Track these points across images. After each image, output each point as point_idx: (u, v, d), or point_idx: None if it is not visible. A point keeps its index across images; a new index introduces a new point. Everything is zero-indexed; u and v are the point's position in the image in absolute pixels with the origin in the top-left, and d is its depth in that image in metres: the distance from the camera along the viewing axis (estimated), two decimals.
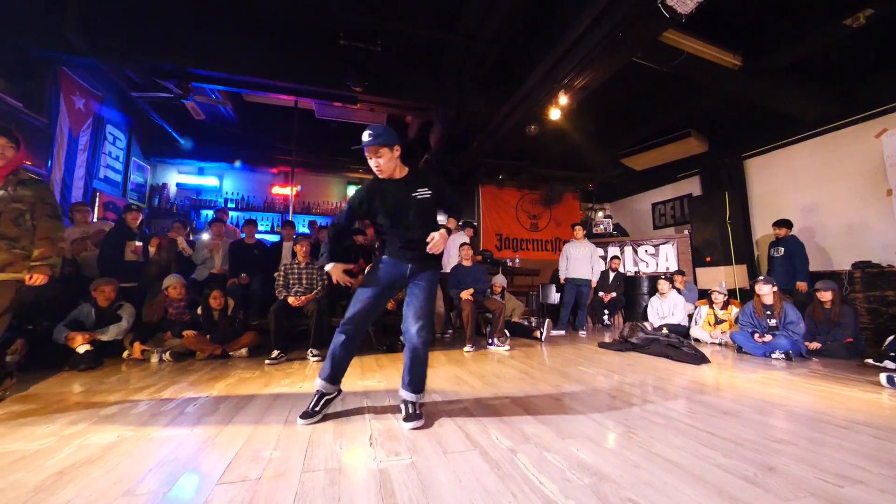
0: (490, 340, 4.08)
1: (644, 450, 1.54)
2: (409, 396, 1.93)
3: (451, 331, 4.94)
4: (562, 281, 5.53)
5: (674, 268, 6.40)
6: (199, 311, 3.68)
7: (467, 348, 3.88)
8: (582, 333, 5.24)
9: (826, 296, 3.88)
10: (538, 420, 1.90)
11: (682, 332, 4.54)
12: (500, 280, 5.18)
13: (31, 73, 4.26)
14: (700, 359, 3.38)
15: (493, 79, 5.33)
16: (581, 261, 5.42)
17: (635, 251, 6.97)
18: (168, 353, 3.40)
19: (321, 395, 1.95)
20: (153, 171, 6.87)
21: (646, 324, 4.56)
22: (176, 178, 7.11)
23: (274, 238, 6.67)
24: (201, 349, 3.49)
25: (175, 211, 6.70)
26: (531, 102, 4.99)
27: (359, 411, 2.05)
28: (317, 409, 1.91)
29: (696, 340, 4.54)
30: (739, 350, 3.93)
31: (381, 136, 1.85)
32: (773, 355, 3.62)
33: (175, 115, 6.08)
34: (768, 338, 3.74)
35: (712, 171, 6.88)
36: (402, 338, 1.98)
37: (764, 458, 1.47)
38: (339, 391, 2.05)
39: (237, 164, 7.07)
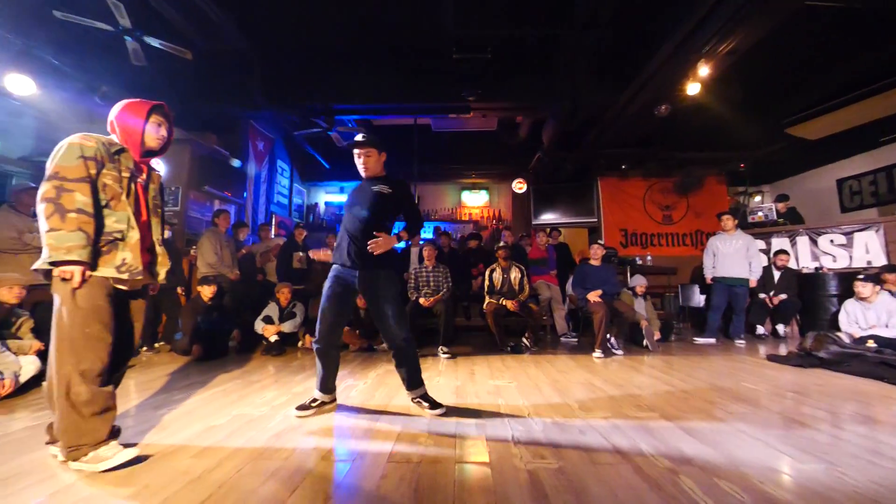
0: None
1: (864, 497, 1.23)
2: (418, 393, 2.08)
3: (575, 334, 4.71)
4: (708, 280, 4.75)
5: (880, 262, 4.87)
6: None
7: (597, 354, 3.65)
8: (739, 343, 4.40)
9: None
10: (696, 440, 1.69)
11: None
12: (640, 281, 4.71)
13: (232, 128, 5.65)
14: None
15: (609, 66, 4.91)
16: (733, 256, 4.56)
17: (814, 242, 5.53)
18: None
19: (316, 399, 2.07)
20: (308, 194, 8.35)
21: (840, 334, 3.58)
22: (324, 197, 8.52)
23: (400, 244, 7.39)
24: (353, 342, 4.09)
25: (325, 225, 8.00)
26: (660, 81, 4.45)
27: (495, 409, 2.14)
28: (312, 405, 2.04)
29: None
30: None
31: (371, 137, 2.02)
32: None
33: (322, 145, 7.28)
34: None
35: None
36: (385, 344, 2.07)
37: None
38: (334, 400, 2.15)
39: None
